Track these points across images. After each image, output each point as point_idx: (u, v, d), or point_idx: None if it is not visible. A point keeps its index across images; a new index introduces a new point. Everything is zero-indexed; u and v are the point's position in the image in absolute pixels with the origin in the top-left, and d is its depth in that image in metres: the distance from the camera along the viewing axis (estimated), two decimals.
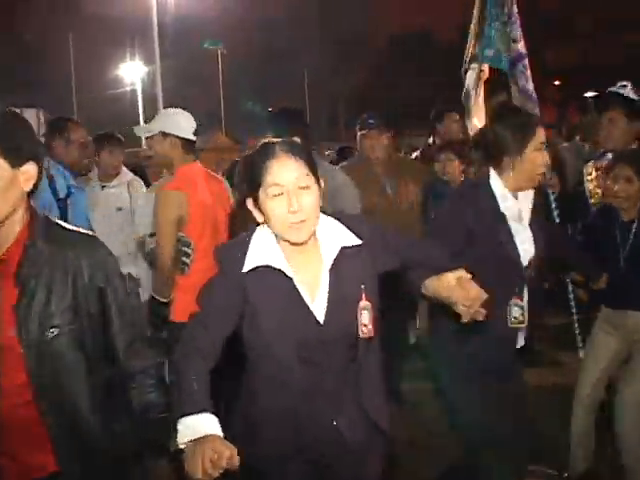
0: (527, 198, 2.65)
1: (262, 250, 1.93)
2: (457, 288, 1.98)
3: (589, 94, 17.05)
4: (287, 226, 1.88)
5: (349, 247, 1.97)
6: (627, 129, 3.58)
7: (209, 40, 35.05)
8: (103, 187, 4.68)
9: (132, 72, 32.65)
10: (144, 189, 4.85)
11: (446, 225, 2.68)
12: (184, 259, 3.25)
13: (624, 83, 3.68)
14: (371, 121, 4.42)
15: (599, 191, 3.76)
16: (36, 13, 33.31)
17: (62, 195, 3.54)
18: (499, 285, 2.42)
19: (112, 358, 1.85)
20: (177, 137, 3.31)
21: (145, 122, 4.24)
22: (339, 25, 39.83)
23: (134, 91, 31.97)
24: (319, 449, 2.02)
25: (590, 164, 3.82)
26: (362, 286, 1.96)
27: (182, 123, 3.34)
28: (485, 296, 1.96)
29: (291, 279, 1.93)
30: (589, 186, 3.81)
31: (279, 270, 1.92)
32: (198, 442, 1.66)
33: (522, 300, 2.61)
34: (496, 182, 2.61)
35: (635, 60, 26.05)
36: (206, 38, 34.74)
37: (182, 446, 1.69)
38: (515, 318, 2.59)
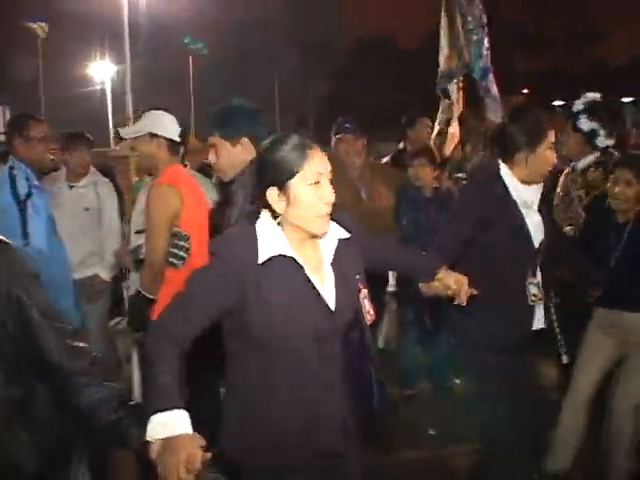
0: (536, 189, 2.89)
1: (272, 240, 1.93)
2: (440, 286, 2.33)
3: (557, 103, 17.32)
4: (318, 216, 1.93)
5: (342, 239, 2.05)
6: (574, 140, 3.77)
7: (189, 38, 34.75)
8: (71, 187, 4.61)
9: (101, 71, 32.29)
10: (112, 190, 4.79)
11: (461, 213, 2.94)
12: (181, 253, 3.19)
13: (587, 94, 3.79)
14: (347, 125, 4.41)
15: (560, 193, 3.85)
16: (3, 9, 32.81)
17: (23, 196, 3.47)
18: (515, 267, 2.81)
19: (46, 364, 1.74)
20: (164, 138, 3.28)
21: (114, 122, 4.19)
22: (311, 28, 39.84)
23: (103, 90, 31.62)
24: (330, 449, 2.00)
25: (566, 170, 3.91)
26: (357, 276, 2.08)
27: (169, 124, 3.31)
28: (465, 278, 2.31)
29: (302, 268, 1.94)
30: (559, 192, 3.89)
31: (291, 259, 1.93)
32: (170, 443, 1.63)
33: (536, 278, 2.87)
34: (506, 173, 2.84)
35: (602, 70, 26.59)
36: (178, 39, 34.50)
37: (151, 441, 1.66)
38: (534, 295, 2.85)
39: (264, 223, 1.96)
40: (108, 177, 4.97)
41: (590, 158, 3.73)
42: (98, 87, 32.83)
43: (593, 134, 3.71)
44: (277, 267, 1.91)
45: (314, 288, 1.95)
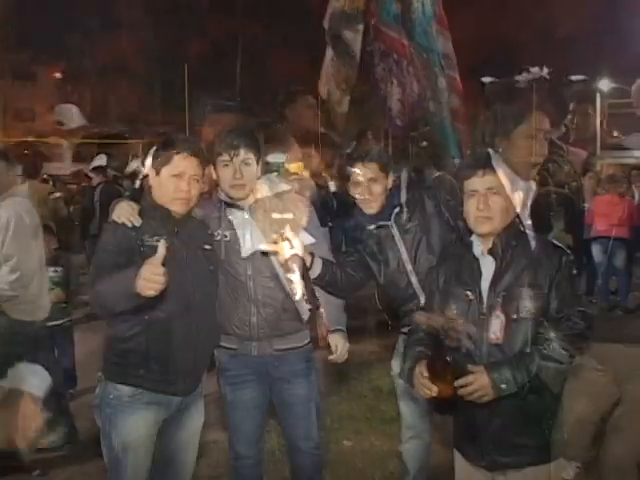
0: (527, 187, 2.97)
1: (252, 235, 2.50)
2: None
3: (486, 79, 17.94)
4: None
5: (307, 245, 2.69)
6: None
7: None
8: None
9: None
10: None
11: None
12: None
13: (532, 69, 3.95)
14: (230, 103, 4.41)
15: None
16: None
17: None
18: None
19: None
20: None
21: None
22: None
23: None
24: None
25: None
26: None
27: None
28: None
29: (272, 262, 2.57)
30: None
31: (265, 255, 2.51)
32: (9, 397, 1.77)
33: None
34: (496, 159, 2.90)
35: (543, 39, 27.94)
36: None
37: None
38: None
39: (240, 217, 2.56)
40: None
41: None
42: None
43: None
44: (257, 260, 2.57)
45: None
